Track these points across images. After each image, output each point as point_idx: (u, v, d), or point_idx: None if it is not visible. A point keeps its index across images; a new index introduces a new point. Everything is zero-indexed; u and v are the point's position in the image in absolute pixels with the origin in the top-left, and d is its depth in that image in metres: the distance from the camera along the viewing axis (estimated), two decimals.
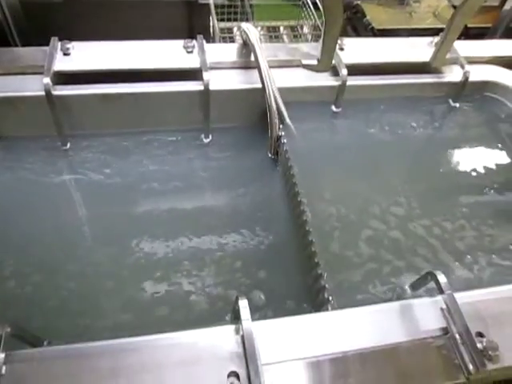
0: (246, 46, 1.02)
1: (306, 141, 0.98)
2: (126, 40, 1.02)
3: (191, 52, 1.01)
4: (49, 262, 0.83)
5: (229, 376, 0.53)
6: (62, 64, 0.94)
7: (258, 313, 0.76)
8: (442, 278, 0.63)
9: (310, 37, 1.90)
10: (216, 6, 1.72)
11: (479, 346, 0.57)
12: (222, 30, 1.82)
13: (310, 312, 0.72)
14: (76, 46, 0.98)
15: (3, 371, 0.52)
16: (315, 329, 0.60)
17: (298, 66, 1.05)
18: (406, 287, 0.76)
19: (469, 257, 0.83)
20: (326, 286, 0.72)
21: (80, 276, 0.82)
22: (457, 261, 0.82)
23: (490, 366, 0.56)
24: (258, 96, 0.97)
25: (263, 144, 1.02)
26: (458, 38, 1.03)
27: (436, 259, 0.82)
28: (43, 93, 0.91)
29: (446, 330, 0.60)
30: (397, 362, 0.58)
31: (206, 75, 0.97)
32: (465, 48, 1.11)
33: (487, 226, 0.89)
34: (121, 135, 1.02)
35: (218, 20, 1.72)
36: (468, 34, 1.67)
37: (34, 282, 0.80)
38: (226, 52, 1.05)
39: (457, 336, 0.59)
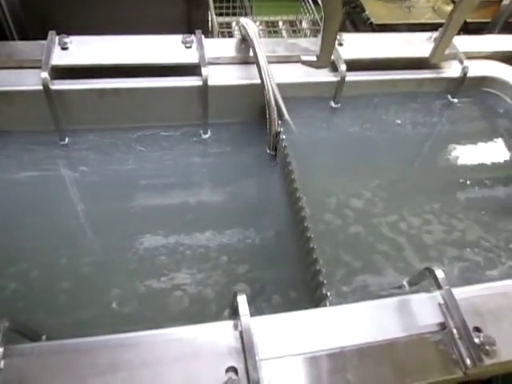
0: (245, 41, 1.02)
1: (305, 136, 0.98)
2: (124, 34, 1.01)
3: (190, 47, 1.01)
4: (40, 256, 0.83)
5: (227, 371, 0.54)
6: (59, 58, 0.94)
7: (255, 306, 0.77)
8: (439, 274, 0.63)
9: (308, 32, 1.90)
10: (215, 1, 1.71)
11: (476, 340, 0.58)
12: (220, 24, 1.81)
13: (309, 308, 0.72)
14: (74, 41, 0.97)
15: (2, 365, 0.52)
16: (313, 324, 0.60)
17: (296, 61, 1.05)
18: (404, 282, 0.76)
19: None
20: (325, 281, 0.72)
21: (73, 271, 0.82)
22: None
23: (488, 361, 0.57)
24: (257, 91, 0.97)
25: (262, 140, 1.01)
26: (457, 33, 1.03)
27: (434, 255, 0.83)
28: (41, 87, 0.90)
29: (443, 325, 0.60)
30: (394, 357, 0.58)
31: (204, 70, 0.96)
32: (463, 43, 1.11)
33: (493, 221, 0.89)
34: (119, 130, 1.02)
35: (216, 15, 1.72)
36: (467, 28, 1.67)
37: (31, 275, 0.80)
38: (224, 47, 1.05)
39: (454, 331, 0.59)
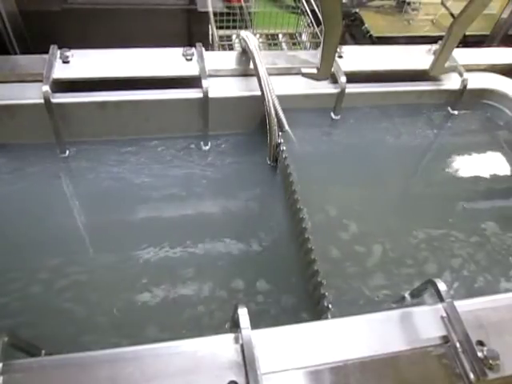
0: (245, 54, 1.03)
1: (306, 148, 0.98)
2: (125, 47, 1.02)
3: (190, 60, 1.01)
4: (43, 267, 0.83)
5: None
6: (61, 72, 0.94)
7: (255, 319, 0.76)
8: (441, 286, 0.62)
9: (308, 44, 1.91)
10: (215, 14, 1.73)
11: (480, 354, 0.57)
12: (221, 37, 1.83)
13: (310, 320, 0.72)
14: (75, 54, 0.98)
15: (1, 381, 0.51)
16: (315, 337, 0.59)
17: (296, 73, 1.06)
18: (406, 295, 0.76)
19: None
20: (326, 293, 0.72)
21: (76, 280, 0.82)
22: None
23: (491, 375, 0.56)
24: (257, 103, 0.97)
25: (262, 151, 1.01)
26: (456, 46, 1.04)
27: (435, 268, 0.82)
28: (42, 100, 0.91)
29: (446, 339, 0.60)
30: (397, 371, 0.57)
31: (205, 83, 0.97)
32: (463, 56, 1.12)
33: (492, 232, 0.89)
34: (120, 143, 1.02)
35: (217, 28, 1.73)
36: (466, 41, 1.68)
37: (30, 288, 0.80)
38: (225, 59, 1.06)
39: (457, 345, 0.58)
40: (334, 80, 1.04)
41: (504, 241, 0.88)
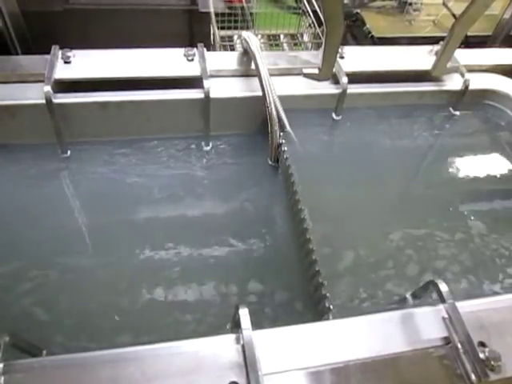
0: (247, 54, 1.03)
1: (307, 148, 0.98)
2: (126, 48, 1.02)
3: (192, 60, 1.01)
4: (41, 268, 0.83)
5: None
6: (62, 72, 0.95)
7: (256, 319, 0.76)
8: (443, 287, 0.62)
9: (309, 45, 1.91)
10: (216, 14, 1.73)
11: (481, 355, 0.57)
12: (222, 38, 1.83)
13: (311, 321, 0.72)
14: (77, 54, 0.98)
15: (2, 381, 0.51)
16: (316, 338, 0.59)
17: (298, 74, 1.06)
18: (408, 296, 0.75)
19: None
20: (327, 294, 0.72)
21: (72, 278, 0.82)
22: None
23: (493, 377, 0.56)
24: (259, 104, 0.97)
25: (264, 151, 1.01)
26: (458, 47, 1.04)
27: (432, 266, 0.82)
28: (44, 101, 0.91)
29: (447, 340, 0.60)
30: (398, 372, 0.57)
31: (206, 83, 0.97)
32: (465, 56, 1.12)
33: (496, 235, 0.89)
34: (121, 143, 1.02)
35: (218, 28, 1.73)
36: (468, 41, 1.68)
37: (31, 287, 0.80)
38: (226, 60, 1.06)
39: (459, 346, 0.58)
40: (336, 80, 1.04)
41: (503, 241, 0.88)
